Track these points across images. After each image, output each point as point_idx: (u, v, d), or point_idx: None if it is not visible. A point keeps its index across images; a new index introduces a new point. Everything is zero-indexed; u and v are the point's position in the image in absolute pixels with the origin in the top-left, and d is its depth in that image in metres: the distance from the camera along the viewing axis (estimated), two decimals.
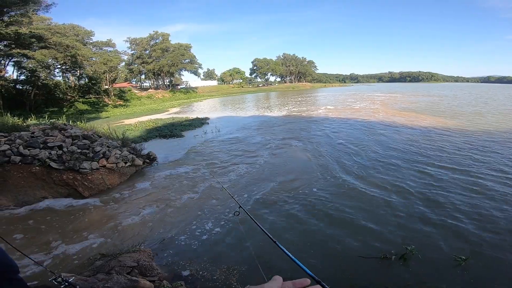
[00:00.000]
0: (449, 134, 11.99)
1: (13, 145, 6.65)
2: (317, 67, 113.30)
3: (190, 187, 6.96)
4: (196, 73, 63.30)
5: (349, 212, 5.23)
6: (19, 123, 8.70)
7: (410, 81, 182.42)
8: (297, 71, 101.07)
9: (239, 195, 6.26)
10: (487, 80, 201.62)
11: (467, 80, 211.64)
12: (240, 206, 1.55)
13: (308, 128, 15.34)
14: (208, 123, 18.75)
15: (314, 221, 4.99)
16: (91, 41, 41.17)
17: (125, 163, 8.05)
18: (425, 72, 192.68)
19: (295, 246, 4.30)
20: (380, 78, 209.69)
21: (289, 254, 0.71)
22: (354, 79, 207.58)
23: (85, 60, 33.64)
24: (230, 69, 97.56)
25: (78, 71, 36.21)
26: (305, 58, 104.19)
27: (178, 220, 5.32)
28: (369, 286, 3.25)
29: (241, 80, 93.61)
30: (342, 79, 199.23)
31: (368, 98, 36.44)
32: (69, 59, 30.81)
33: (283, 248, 0.76)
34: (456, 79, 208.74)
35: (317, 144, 11.05)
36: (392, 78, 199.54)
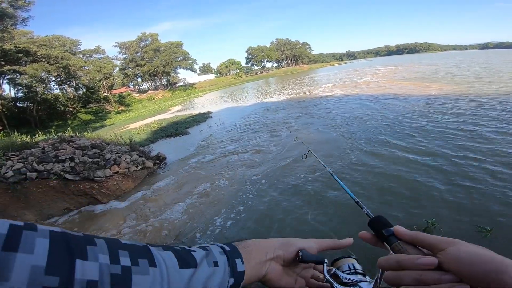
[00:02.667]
0: (457, 98, 11.72)
1: (27, 162, 6.76)
2: (312, 48, 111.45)
3: (207, 177, 7.01)
4: (192, 69, 62.83)
5: (365, 184, 5.20)
6: (28, 140, 8.81)
7: (407, 53, 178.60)
8: (292, 55, 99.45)
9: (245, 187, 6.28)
10: (485, 46, 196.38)
11: (465, 47, 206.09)
12: (309, 150, 1.62)
13: (314, 106, 15.12)
14: (211, 117, 18.71)
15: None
16: (79, 50, 41.12)
17: (136, 166, 8.14)
18: (422, 43, 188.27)
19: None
20: (377, 53, 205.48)
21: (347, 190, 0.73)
22: (351, 56, 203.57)
23: (78, 70, 33.69)
24: (226, 61, 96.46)
25: (74, 82, 36.26)
26: (299, 41, 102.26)
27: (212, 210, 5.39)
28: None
29: (238, 70, 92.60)
30: (339, 57, 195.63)
31: (368, 73, 35.69)
32: (62, 71, 30.80)
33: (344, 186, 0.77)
34: (454, 47, 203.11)
35: (330, 119, 10.93)
36: (389, 52, 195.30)
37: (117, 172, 7.57)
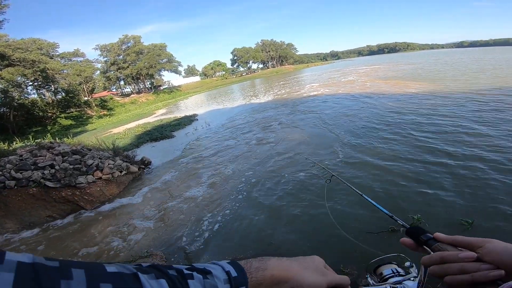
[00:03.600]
0: (432, 97, 12.34)
1: (4, 170, 6.54)
2: (297, 49, 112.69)
3: (195, 180, 7.03)
4: (176, 71, 62.08)
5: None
6: (5, 147, 8.50)
7: (388, 52, 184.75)
8: (277, 55, 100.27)
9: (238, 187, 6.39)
10: (460, 45, 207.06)
11: (442, 46, 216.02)
12: (333, 175, 1.56)
13: (299, 105, 15.40)
14: (197, 119, 18.63)
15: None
16: (57, 53, 39.52)
17: (121, 172, 8.04)
18: (401, 43, 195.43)
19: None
20: (359, 52, 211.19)
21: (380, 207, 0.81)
22: (334, 56, 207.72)
23: (56, 74, 32.53)
24: (211, 63, 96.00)
25: (52, 86, 34.96)
26: (283, 42, 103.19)
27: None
28: (381, 259, 3.36)
29: (224, 72, 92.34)
30: (323, 57, 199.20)
31: (351, 72, 36.66)
32: (39, 75, 29.67)
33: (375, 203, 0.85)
34: (432, 46, 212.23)
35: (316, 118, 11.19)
36: (371, 51, 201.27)
37: (100, 178, 7.45)
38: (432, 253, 0.52)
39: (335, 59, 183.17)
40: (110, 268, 0.33)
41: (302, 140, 9.02)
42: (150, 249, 4.46)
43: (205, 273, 0.41)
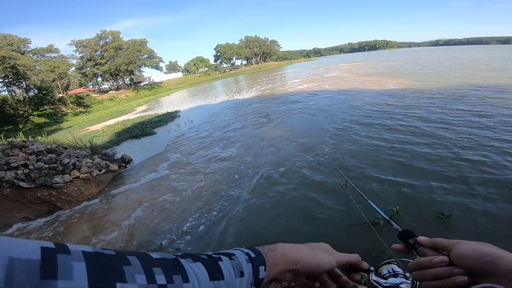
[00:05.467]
0: (410, 92, 12.94)
1: None
2: (280, 46, 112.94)
3: (178, 178, 6.98)
4: (157, 67, 60.34)
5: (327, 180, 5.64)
6: None
7: (368, 49, 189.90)
8: (261, 52, 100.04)
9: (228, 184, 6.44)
10: (436, 43, 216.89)
11: (418, 44, 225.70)
12: (347, 180, 1.50)
13: (284, 101, 15.57)
14: (179, 116, 18.35)
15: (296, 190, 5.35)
16: (29, 49, 37.48)
17: (100, 170, 7.82)
18: (381, 40, 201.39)
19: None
20: (341, 50, 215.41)
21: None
22: (317, 53, 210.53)
23: (28, 70, 30.71)
24: (194, 59, 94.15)
25: (24, 83, 32.97)
26: (267, 38, 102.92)
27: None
28: (365, 251, 3.33)
29: (207, 68, 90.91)
30: (306, 54, 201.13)
31: (333, 69, 37.42)
32: (9, 71, 27.88)
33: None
34: (409, 45, 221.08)
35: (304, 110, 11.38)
36: (352, 49, 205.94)
37: (78, 177, 7.22)
38: (417, 257, 0.52)
39: (318, 56, 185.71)
40: (155, 255, 0.37)
41: (287, 135, 9.18)
42: (139, 247, 4.43)
43: (230, 255, 0.46)
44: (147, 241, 4.61)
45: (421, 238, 0.54)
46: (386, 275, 0.72)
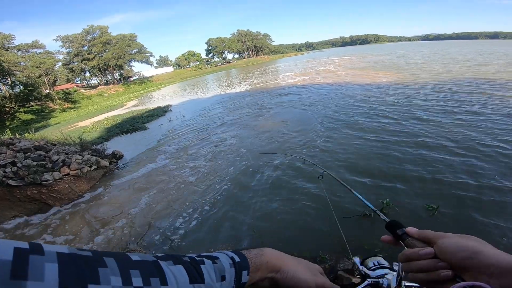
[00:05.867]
0: (401, 86, 13.12)
1: None
2: (272, 40, 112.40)
3: (170, 173, 6.96)
4: (147, 62, 59.24)
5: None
6: None
7: (360, 43, 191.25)
8: (253, 46, 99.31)
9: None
10: (426, 38, 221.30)
11: (409, 39, 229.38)
12: (324, 170, 1.49)
13: (276, 93, 15.58)
14: (171, 110, 18.13)
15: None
16: (13, 45, 36.46)
17: (90, 167, 7.72)
18: (372, 35, 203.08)
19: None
20: (333, 44, 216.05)
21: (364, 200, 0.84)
22: (309, 46, 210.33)
23: (12, 66, 29.76)
24: (185, 53, 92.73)
25: (9, 79, 31.93)
26: (259, 32, 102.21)
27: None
28: (357, 244, 3.36)
29: (198, 62, 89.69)
30: (299, 48, 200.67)
31: (326, 63, 37.49)
32: None
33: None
34: (400, 39, 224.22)
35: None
36: (344, 43, 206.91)
37: (68, 174, 7.11)
38: (405, 248, 0.52)
39: (310, 50, 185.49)
40: (134, 257, 0.36)
41: (280, 128, 9.21)
42: (127, 245, 4.43)
43: (213, 259, 0.46)
44: (139, 234, 4.62)
45: (409, 229, 0.53)
46: (372, 267, 0.74)
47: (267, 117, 11.28)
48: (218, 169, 6.80)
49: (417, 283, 0.49)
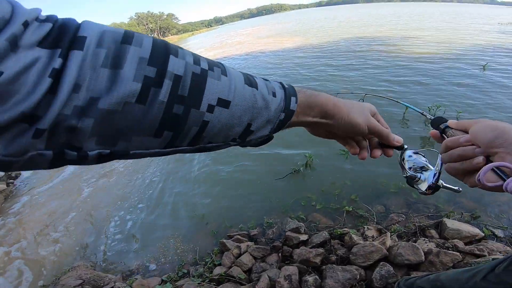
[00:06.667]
0: (303, 48, 14.39)
1: None
2: (179, 19, 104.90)
3: (81, 184, 6.19)
4: None
5: None
6: None
7: (266, 14, 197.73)
8: (158, 27, 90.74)
9: None
10: (319, 4, 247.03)
11: (306, 6, 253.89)
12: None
13: None
14: None
15: None
16: None
17: None
18: (275, 4, 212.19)
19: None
20: (242, 16, 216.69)
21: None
22: (219, 21, 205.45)
23: None
24: None
25: None
26: (163, 13, 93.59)
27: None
28: (294, 200, 3.53)
29: None
30: (208, 24, 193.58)
31: (236, 35, 37.47)
32: None
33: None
34: (300, 7, 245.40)
35: None
36: (252, 14, 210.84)
37: None
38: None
39: (220, 25, 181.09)
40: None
41: None
42: (73, 261, 3.90)
43: (264, 79, 0.46)
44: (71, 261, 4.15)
45: (450, 122, 0.54)
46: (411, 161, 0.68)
47: None
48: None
49: (452, 174, 0.49)
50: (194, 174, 4.99)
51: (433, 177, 0.57)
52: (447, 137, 0.52)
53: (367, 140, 0.59)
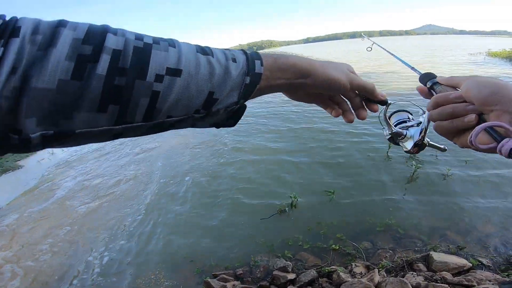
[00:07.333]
0: None
1: None
2: None
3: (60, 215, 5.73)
4: None
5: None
6: None
7: (256, 49, 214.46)
8: None
9: None
10: (307, 41, 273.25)
11: (294, 42, 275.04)
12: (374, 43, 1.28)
13: None
14: None
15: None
16: None
17: None
18: (266, 40, 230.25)
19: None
20: None
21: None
22: None
23: None
24: None
25: None
26: None
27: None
28: (281, 240, 3.50)
29: None
30: None
31: None
32: None
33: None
34: (288, 43, 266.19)
35: None
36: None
37: None
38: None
39: None
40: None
41: None
42: None
43: (224, 49, 0.44)
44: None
45: (439, 78, 0.51)
46: (400, 120, 0.65)
47: None
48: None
49: (441, 133, 0.46)
50: (184, 210, 4.76)
51: (419, 134, 0.54)
52: (436, 94, 0.49)
53: (348, 102, 0.55)
